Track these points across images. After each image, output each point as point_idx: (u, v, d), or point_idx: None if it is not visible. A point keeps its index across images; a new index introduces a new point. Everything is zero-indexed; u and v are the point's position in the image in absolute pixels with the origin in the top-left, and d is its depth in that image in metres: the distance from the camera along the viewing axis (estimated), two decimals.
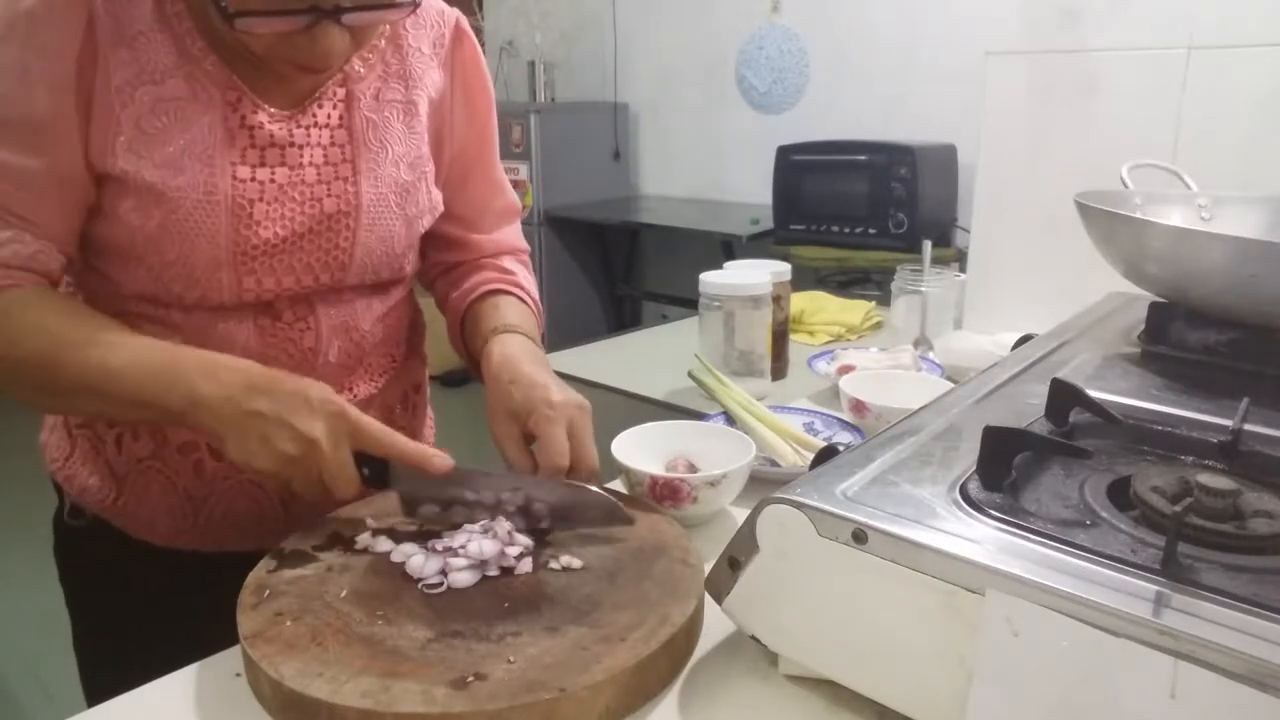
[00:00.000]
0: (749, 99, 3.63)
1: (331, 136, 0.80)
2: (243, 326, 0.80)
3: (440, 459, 0.71)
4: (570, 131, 3.78)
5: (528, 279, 0.98)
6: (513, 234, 1.00)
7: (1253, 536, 0.50)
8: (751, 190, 3.55)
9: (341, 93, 0.81)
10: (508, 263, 0.97)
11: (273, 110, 0.77)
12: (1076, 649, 0.44)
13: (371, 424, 0.70)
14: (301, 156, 0.78)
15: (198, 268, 0.75)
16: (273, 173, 0.77)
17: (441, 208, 0.90)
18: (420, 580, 0.66)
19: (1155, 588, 0.46)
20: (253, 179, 0.76)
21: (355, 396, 0.87)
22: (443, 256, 0.97)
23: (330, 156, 0.80)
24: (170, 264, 0.75)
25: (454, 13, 0.90)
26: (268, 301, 0.80)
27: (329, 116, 0.80)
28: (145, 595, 0.87)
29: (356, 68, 0.82)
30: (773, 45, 3.49)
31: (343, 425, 0.69)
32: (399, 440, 0.71)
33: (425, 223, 0.88)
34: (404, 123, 0.84)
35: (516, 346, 0.84)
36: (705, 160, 3.83)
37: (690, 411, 1.18)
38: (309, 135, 0.79)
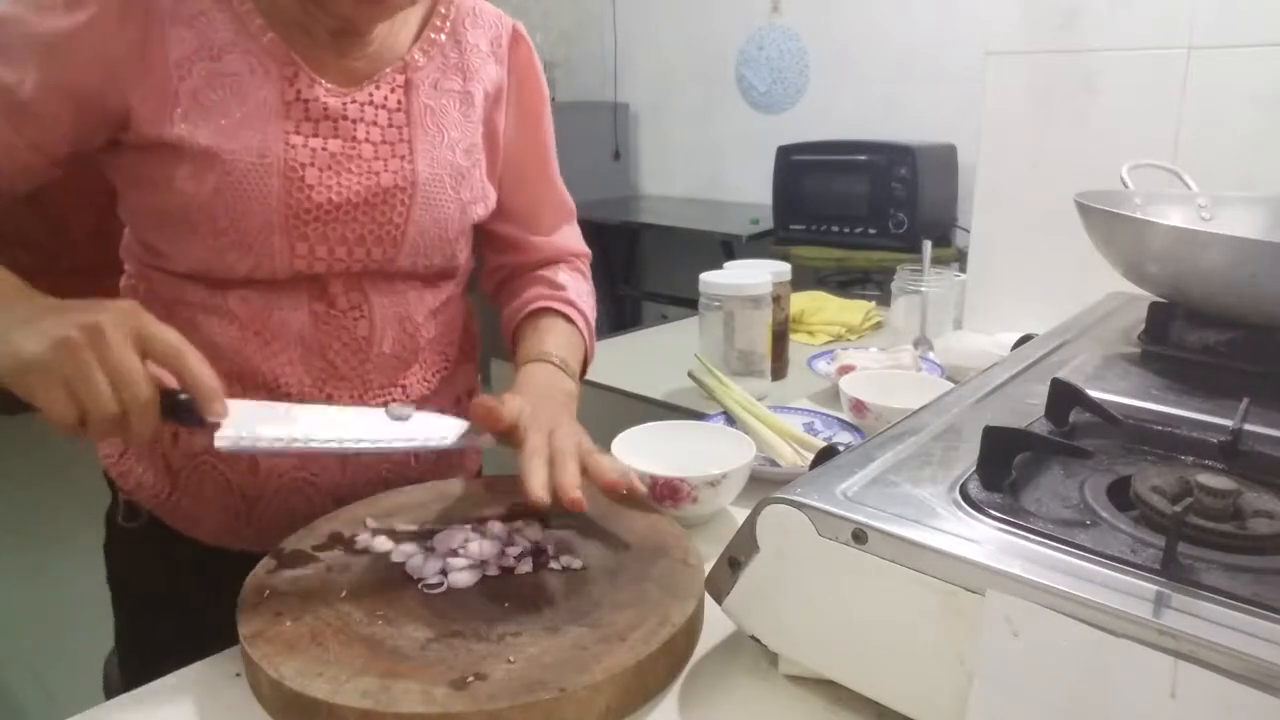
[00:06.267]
0: (749, 99, 3.62)
1: (390, 118, 0.82)
2: (297, 314, 0.81)
3: (218, 405, 0.62)
4: (570, 131, 3.74)
5: (580, 290, 0.98)
6: (571, 236, 1.02)
7: (1253, 536, 0.50)
8: (751, 190, 3.55)
9: (401, 79, 0.83)
10: (562, 274, 0.98)
11: (329, 85, 0.79)
12: (1076, 649, 0.44)
13: (164, 329, 0.62)
14: (355, 131, 0.80)
15: (250, 233, 0.76)
16: (325, 143, 0.78)
17: (494, 200, 0.92)
18: (420, 580, 0.66)
19: (1155, 588, 0.46)
20: (305, 145, 0.77)
21: (408, 394, 0.88)
22: (501, 259, 0.99)
23: (387, 135, 0.82)
24: (223, 231, 0.76)
25: (511, 20, 0.93)
26: (322, 285, 0.81)
27: (386, 99, 0.82)
28: (190, 593, 0.86)
29: (417, 58, 0.84)
30: (773, 45, 3.49)
31: (131, 319, 0.60)
32: (190, 357, 0.61)
33: (478, 211, 0.89)
34: (461, 111, 0.86)
35: (540, 378, 0.85)
36: (705, 160, 3.83)
37: (690, 411, 1.18)
38: (363, 112, 0.80)
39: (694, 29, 3.73)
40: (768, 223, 3.05)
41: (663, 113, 3.95)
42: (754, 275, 1.21)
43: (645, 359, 1.55)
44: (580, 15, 4.11)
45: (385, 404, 0.76)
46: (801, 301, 1.61)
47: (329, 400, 0.83)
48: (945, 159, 2.76)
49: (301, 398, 0.82)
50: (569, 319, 0.95)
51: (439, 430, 0.71)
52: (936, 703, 0.51)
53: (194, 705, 0.59)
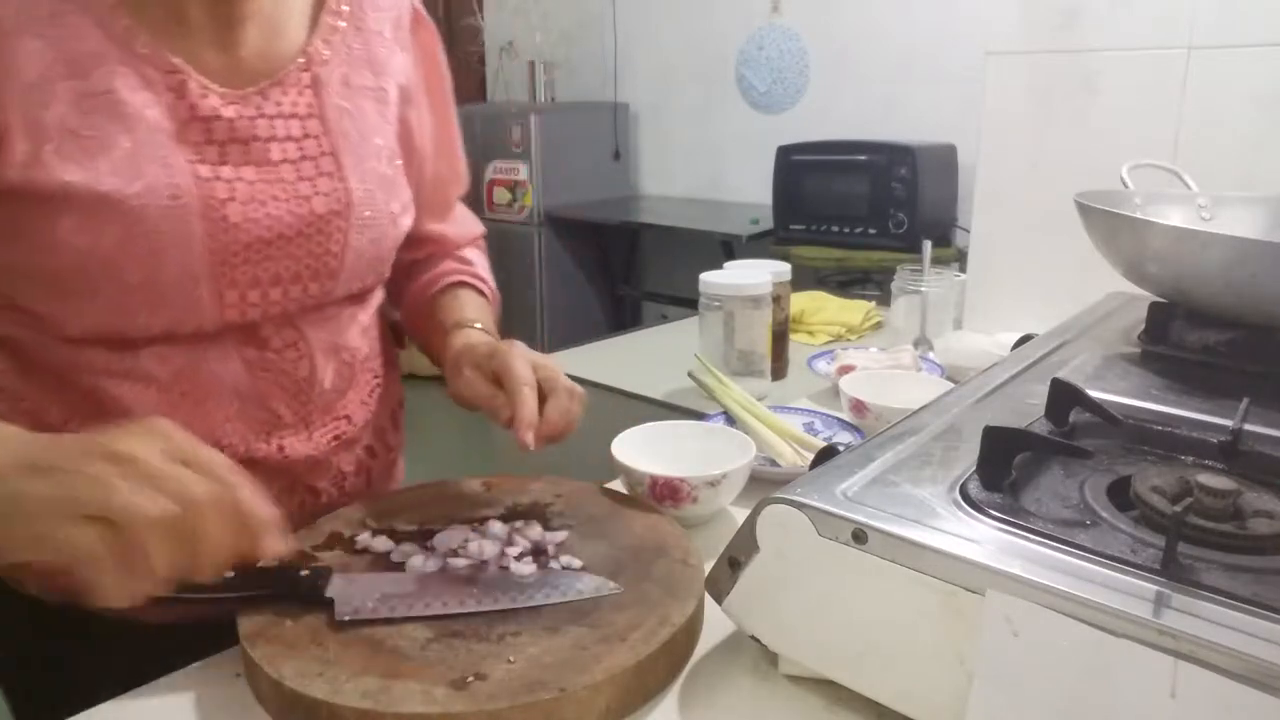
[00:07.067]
0: (749, 99, 3.62)
1: (303, 127, 0.72)
2: (228, 365, 0.71)
3: (277, 543, 0.54)
4: (570, 131, 3.78)
5: (485, 266, 0.97)
6: (471, 220, 0.98)
7: (1253, 536, 0.50)
8: (751, 190, 3.55)
9: (307, 77, 0.73)
10: (468, 252, 0.95)
11: (224, 91, 0.68)
12: (1076, 649, 0.44)
13: (211, 452, 0.53)
14: (269, 152, 0.69)
15: (169, 287, 0.65)
16: (238, 171, 0.68)
17: (413, 204, 0.84)
18: None
19: (1155, 588, 0.46)
20: (217, 177, 0.66)
21: (352, 422, 0.81)
22: (409, 254, 0.91)
23: (307, 150, 0.72)
24: (133, 288, 0.64)
25: None
26: (252, 328, 0.72)
27: (295, 104, 0.72)
28: (77, 657, 0.73)
29: (320, 50, 0.74)
30: (773, 45, 3.49)
31: (166, 438, 0.51)
32: (243, 488, 0.52)
33: (406, 221, 0.82)
34: (378, 112, 0.78)
35: (479, 338, 0.82)
36: (705, 160, 3.83)
37: (690, 411, 1.18)
38: (274, 127, 0.70)
39: (694, 29, 3.73)
40: (768, 223, 3.05)
41: (663, 113, 3.95)
42: (754, 275, 1.21)
43: (645, 359, 1.56)
44: (580, 15, 4.11)
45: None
46: (801, 301, 1.61)
47: (280, 452, 0.75)
48: (945, 159, 2.76)
49: (249, 454, 0.73)
50: (482, 294, 0.92)
51: (574, 582, 0.66)
52: (936, 703, 0.51)
53: (194, 705, 0.59)
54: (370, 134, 0.76)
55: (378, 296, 0.86)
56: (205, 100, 0.67)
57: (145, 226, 0.63)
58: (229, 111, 0.68)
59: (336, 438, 0.80)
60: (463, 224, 0.97)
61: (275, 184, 0.70)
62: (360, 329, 0.82)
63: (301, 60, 0.73)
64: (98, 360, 0.68)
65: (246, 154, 0.69)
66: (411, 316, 0.92)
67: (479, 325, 0.84)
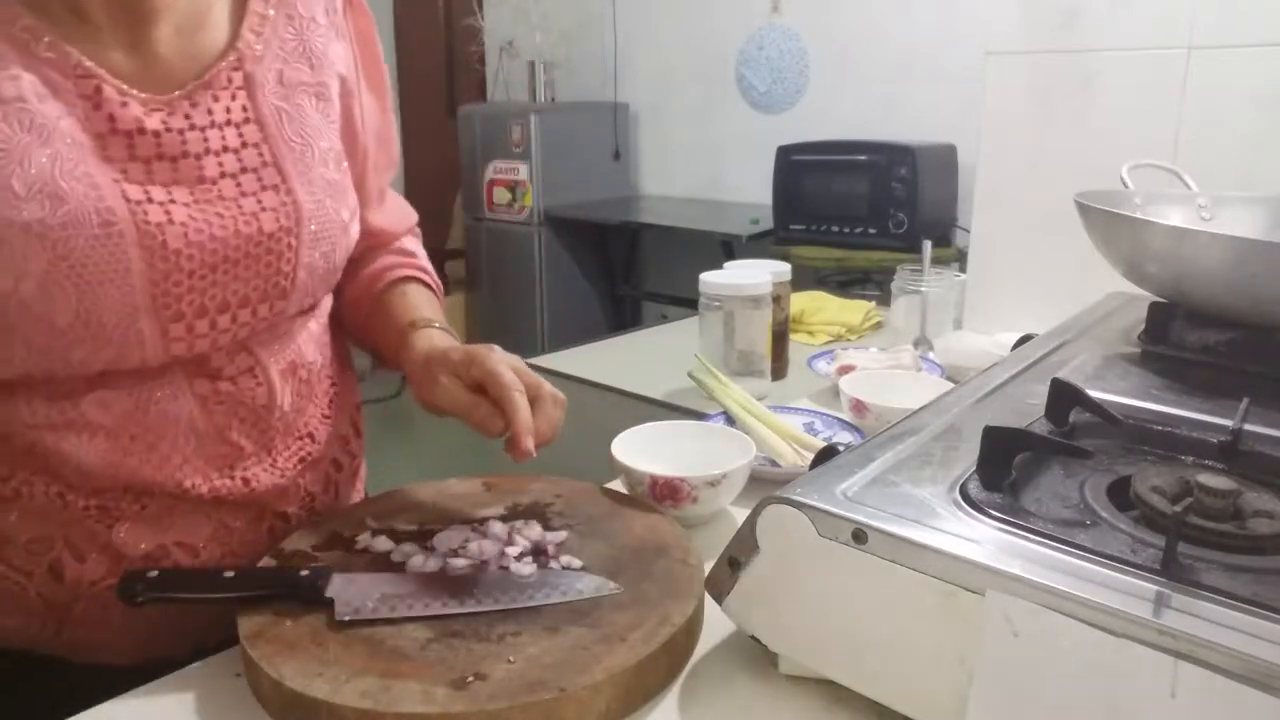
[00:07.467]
0: (749, 99, 3.62)
1: (240, 135, 0.65)
2: (180, 402, 0.66)
3: None
4: (570, 131, 3.78)
5: (424, 255, 0.91)
6: (405, 207, 0.92)
7: (1253, 536, 0.50)
8: (751, 190, 3.55)
9: (238, 77, 0.66)
10: (407, 242, 0.90)
11: (145, 97, 0.62)
12: (1076, 649, 0.44)
13: None
14: (204, 168, 0.63)
15: (108, 324, 0.59)
16: (170, 192, 0.62)
17: (358, 206, 0.79)
18: None
19: (1155, 588, 0.46)
20: (149, 199, 0.60)
21: (315, 440, 0.77)
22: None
23: (247, 161, 0.65)
24: (64, 329, 0.58)
25: None
26: (201, 360, 0.67)
27: (229, 111, 0.65)
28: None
29: (252, 44, 0.67)
30: (773, 45, 3.49)
31: None
32: None
33: (356, 228, 0.76)
34: (320, 111, 0.72)
35: (445, 341, 0.77)
36: (705, 160, 3.83)
37: (690, 411, 1.18)
38: (207, 139, 0.64)
39: (694, 29, 3.73)
40: (768, 223, 3.05)
41: (663, 113, 3.95)
42: (754, 275, 1.21)
43: (645, 359, 1.56)
44: (580, 15, 4.10)
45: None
46: (801, 301, 1.61)
47: (245, 485, 0.71)
48: (945, 159, 2.76)
49: (213, 492, 0.69)
50: (429, 286, 0.88)
51: (574, 582, 0.65)
52: (936, 703, 0.51)
53: (194, 705, 0.59)
54: (314, 137, 0.70)
55: (328, 302, 0.82)
56: (126, 110, 0.61)
57: (73, 261, 0.57)
58: (153, 122, 0.62)
59: (301, 460, 0.76)
60: (398, 213, 0.90)
61: (216, 202, 0.64)
62: (314, 341, 0.77)
63: (232, 58, 0.66)
64: (34, 413, 0.62)
65: (176, 171, 0.62)
66: (354, 314, 0.86)
67: (437, 325, 0.80)
